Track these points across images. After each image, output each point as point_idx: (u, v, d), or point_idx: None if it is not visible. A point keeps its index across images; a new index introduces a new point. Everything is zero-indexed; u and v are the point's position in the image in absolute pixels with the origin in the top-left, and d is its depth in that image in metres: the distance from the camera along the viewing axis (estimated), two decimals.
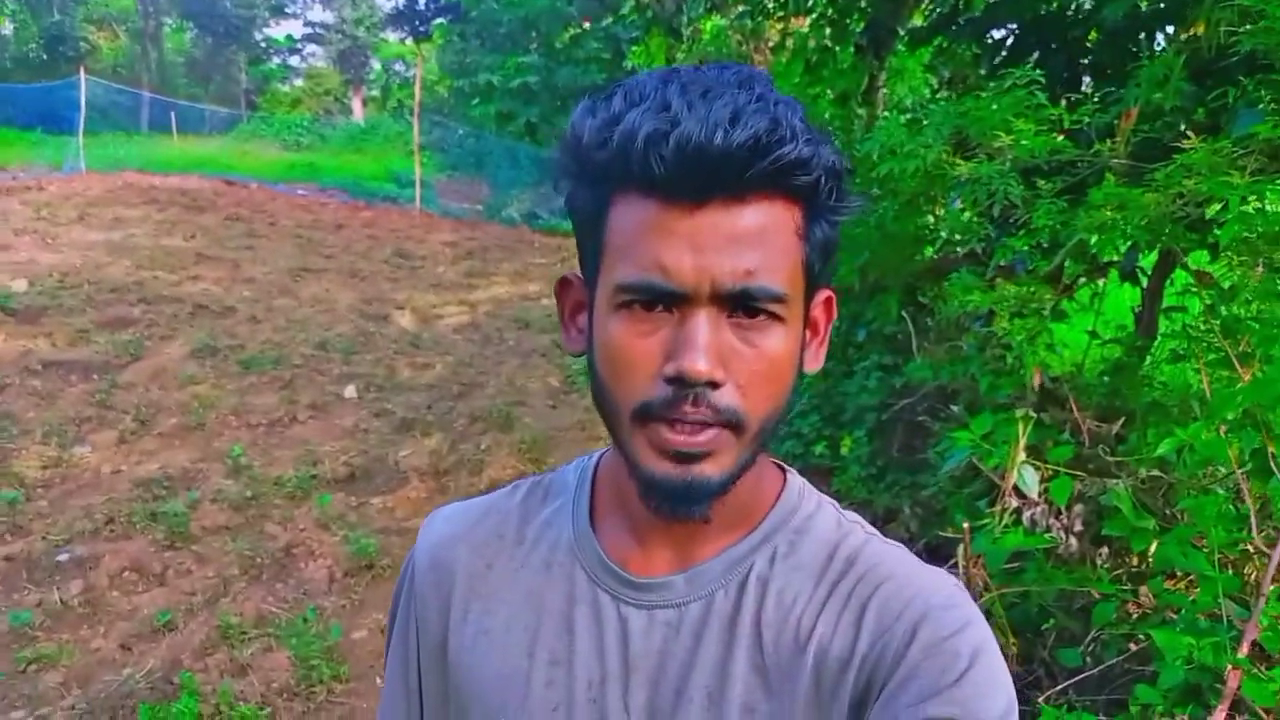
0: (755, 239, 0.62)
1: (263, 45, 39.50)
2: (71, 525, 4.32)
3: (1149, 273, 3.37)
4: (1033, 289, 3.33)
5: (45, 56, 28.24)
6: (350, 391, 6.54)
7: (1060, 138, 2.64)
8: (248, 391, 6.41)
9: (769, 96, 0.61)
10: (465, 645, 0.78)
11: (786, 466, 0.80)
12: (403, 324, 8.67)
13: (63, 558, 4.05)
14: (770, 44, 6.50)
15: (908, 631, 0.66)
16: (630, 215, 0.63)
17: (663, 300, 0.63)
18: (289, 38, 40.47)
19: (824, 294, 0.72)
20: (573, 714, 0.72)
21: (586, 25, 18.53)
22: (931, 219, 4.78)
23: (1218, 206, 2.54)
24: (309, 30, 40.27)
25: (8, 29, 31.18)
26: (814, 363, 0.73)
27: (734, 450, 0.65)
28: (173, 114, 24.95)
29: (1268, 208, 2.09)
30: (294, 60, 41.78)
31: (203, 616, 3.64)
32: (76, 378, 6.35)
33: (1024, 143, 2.53)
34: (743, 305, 0.63)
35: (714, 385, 0.63)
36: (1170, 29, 3.18)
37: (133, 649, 3.43)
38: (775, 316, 0.64)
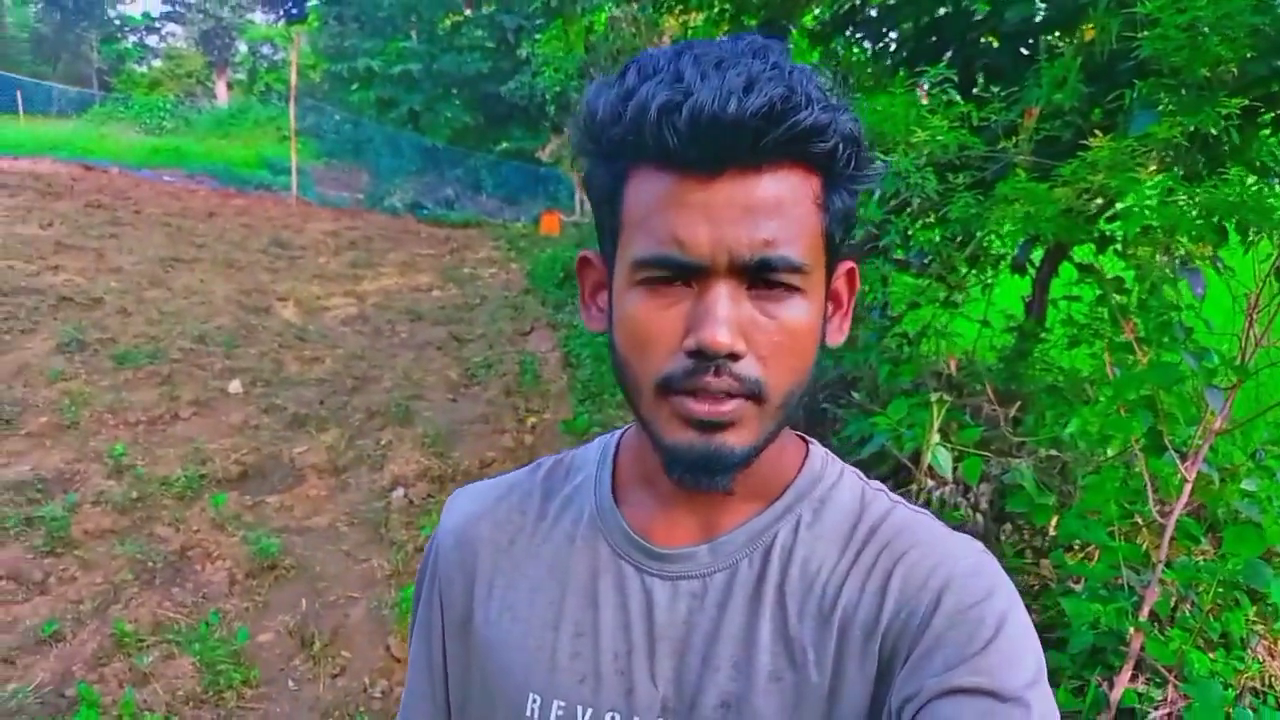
0: (773, 209, 0.62)
1: (117, 22, 37.21)
2: None
3: (1038, 265, 3.57)
4: (928, 281, 3.49)
5: None
6: (235, 386, 6.25)
7: (970, 134, 2.77)
8: (123, 387, 6.04)
9: (784, 64, 0.61)
10: (490, 620, 0.78)
11: (809, 438, 0.80)
12: (286, 316, 8.34)
13: None
14: (669, 37, 6.55)
15: (932, 600, 0.66)
16: (646, 189, 0.63)
17: (681, 274, 0.63)
18: (146, 15, 38.27)
19: (846, 265, 0.72)
20: (600, 685, 0.72)
21: (469, 12, 18.23)
22: None
23: (1100, 201, 2.73)
24: (168, 8, 38.10)
25: None
26: (837, 335, 0.73)
27: (757, 421, 0.65)
28: (18, 92, 23.23)
29: (1177, 201, 2.24)
30: (152, 40, 39.53)
31: (94, 625, 3.43)
32: None
33: (939, 138, 2.64)
34: (762, 277, 0.63)
35: (734, 357, 0.62)
36: (1057, 35, 3.37)
37: (16, 662, 3.20)
38: (795, 288, 0.64)
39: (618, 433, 0.82)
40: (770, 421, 0.66)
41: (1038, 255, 3.55)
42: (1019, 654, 0.64)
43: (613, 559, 0.75)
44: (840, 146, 0.63)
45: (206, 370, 6.52)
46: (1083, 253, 3.23)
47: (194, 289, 8.78)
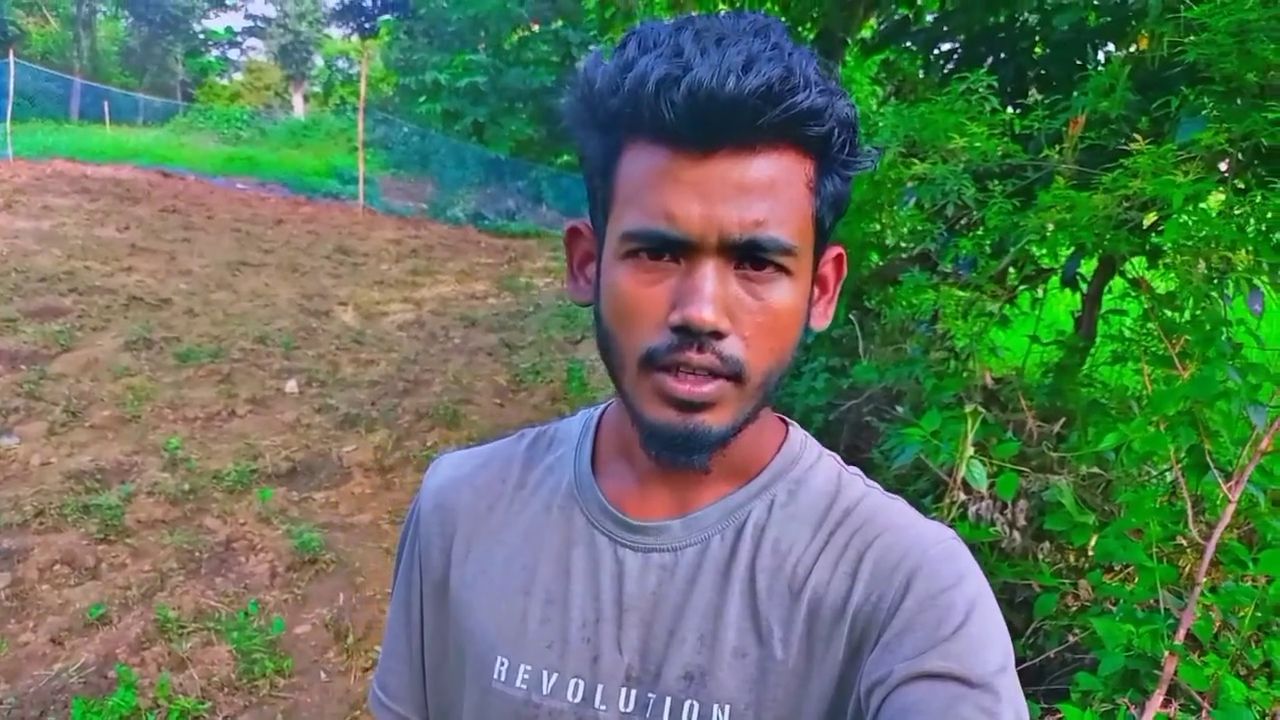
0: (765, 189, 0.62)
1: (201, 37, 38.58)
2: None
3: (1089, 279, 3.48)
4: (978, 291, 3.42)
5: None
6: (291, 386, 6.41)
7: (1012, 142, 2.72)
8: (184, 385, 6.24)
9: (784, 45, 0.61)
10: (465, 583, 0.79)
11: (789, 420, 0.81)
12: (345, 320, 8.52)
13: None
14: None
15: (903, 583, 0.66)
16: (639, 163, 0.63)
17: (670, 249, 0.63)
18: (228, 30, 39.64)
19: (834, 250, 0.72)
20: (566, 652, 0.73)
21: (536, 27, 18.49)
22: (878, 226, 4.87)
23: (1154, 215, 2.64)
24: (250, 23, 39.52)
25: None
26: (821, 320, 0.73)
27: (736, 402, 0.66)
28: (106, 102, 24.20)
29: (1208, 210, 2.18)
30: (233, 53, 40.93)
31: (139, 610, 3.53)
32: (2, 368, 6.11)
33: (977, 145, 2.60)
34: (750, 257, 0.63)
35: (718, 335, 0.63)
36: (1112, 46, 3.30)
37: (64, 643, 3.31)
38: (783, 269, 0.64)
39: (601, 406, 0.83)
40: (749, 402, 0.67)
41: (1089, 269, 3.47)
42: (988, 640, 0.64)
43: (587, 529, 0.76)
44: (836, 131, 0.63)
45: (265, 370, 6.70)
46: (1138, 267, 3.14)
47: (259, 292, 9.03)
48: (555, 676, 0.73)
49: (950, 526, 2.31)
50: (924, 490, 3.47)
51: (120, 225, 11.00)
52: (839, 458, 0.79)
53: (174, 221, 11.86)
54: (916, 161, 2.71)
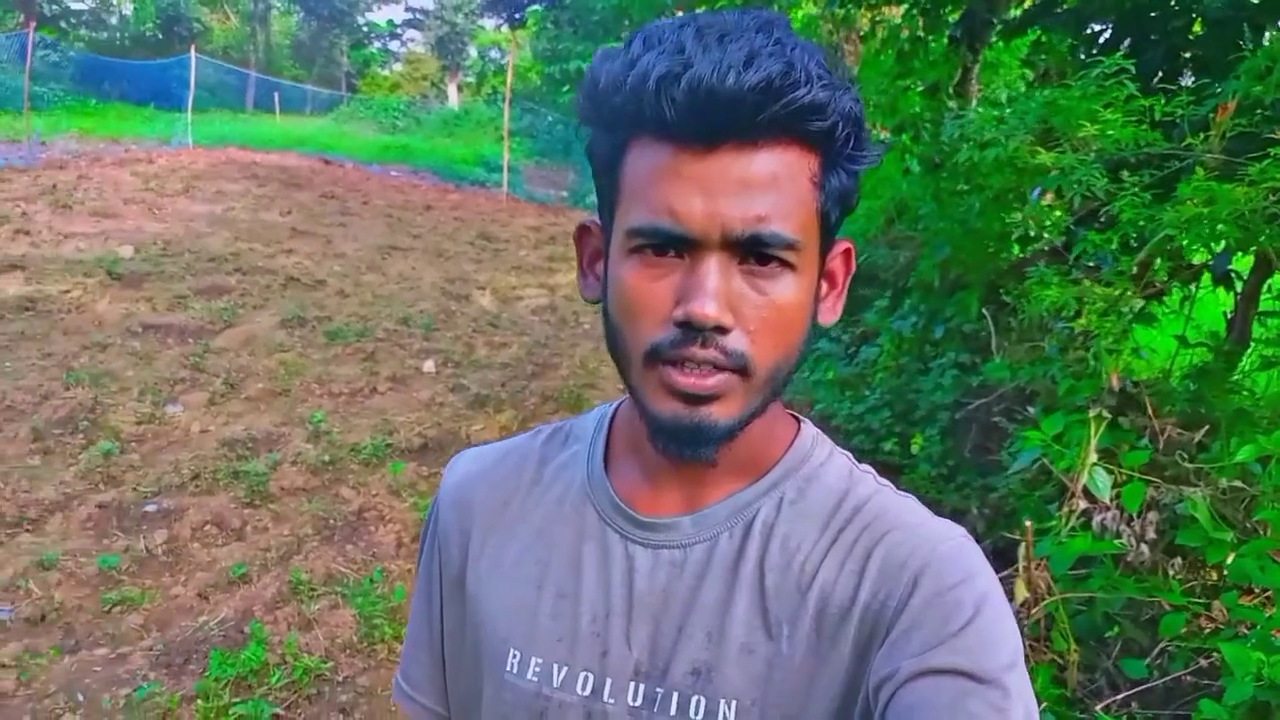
0: (767, 184, 0.62)
1: (364, 29, 40.52)
2: (160, 479, 4.53)
3: (1244, 277, 3.22)
4: (1120, 289, 3.22)
5: (161, 36, 29.56)
6: (429, 366, 6.69)
7: (1150, 130, 2.54)
8: (332, 361, 6.61)
9: (786, 41, 0.61)
10: (480, 577, 0.81)
11: (801, 417, 0.80)
12: (483, 304, 8.82)
13: (150, 508, 4.26)
14: (861, 32, 6.40)
15: (910, 581, 0.66)
16: (643, 160, 0.64)
17: (673, 245, 0.63)
18: (389, 23, 41.47)
19: (842, 245, 0.72)
20: (576, 646, 0.74)
21: (679, 14, 18.50)
22: (1019, 216, 4.64)
23: None
24: (409, 16, 41.18)
25: (128, 8, 32.68)
26: (830, 315, 0.73)
27: (742, 396, 0.66)
28: (276, 94, 25.81)
29: None
30: (394, 45, 42.81)
31: (276, 572, 3.78)
32: (173, 341, 6.64)
33: (1110, 133, 2.45)
34: (753, 252, 0.63)
35: (722, 330, 0.63)
36: None
37: (209, 598, 3.59)
38: (786, 264, 0.64)
39: (616, 402, 0.84)
40: (755, 396, 0.67)
41: (1244, 266, 3.21)
42: (997, 637, 0.63)
43: (599, 525, 0.76)
44: (839, 125, 0.62)
45: (406, 350, 7.02)
46: None
47: (405, 275, 9.46)
48: (565, 670, 0.74)
49: (1070, 536, 2.18)
50: (1050, 496, 3.31)
51: (283, 210, 11.72)
52: (851, 455, 0.78)
53: (332, 207, 12.55)
54: (1042, 150, 2.57)
